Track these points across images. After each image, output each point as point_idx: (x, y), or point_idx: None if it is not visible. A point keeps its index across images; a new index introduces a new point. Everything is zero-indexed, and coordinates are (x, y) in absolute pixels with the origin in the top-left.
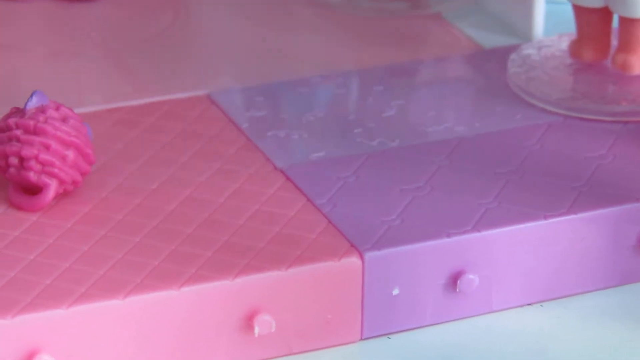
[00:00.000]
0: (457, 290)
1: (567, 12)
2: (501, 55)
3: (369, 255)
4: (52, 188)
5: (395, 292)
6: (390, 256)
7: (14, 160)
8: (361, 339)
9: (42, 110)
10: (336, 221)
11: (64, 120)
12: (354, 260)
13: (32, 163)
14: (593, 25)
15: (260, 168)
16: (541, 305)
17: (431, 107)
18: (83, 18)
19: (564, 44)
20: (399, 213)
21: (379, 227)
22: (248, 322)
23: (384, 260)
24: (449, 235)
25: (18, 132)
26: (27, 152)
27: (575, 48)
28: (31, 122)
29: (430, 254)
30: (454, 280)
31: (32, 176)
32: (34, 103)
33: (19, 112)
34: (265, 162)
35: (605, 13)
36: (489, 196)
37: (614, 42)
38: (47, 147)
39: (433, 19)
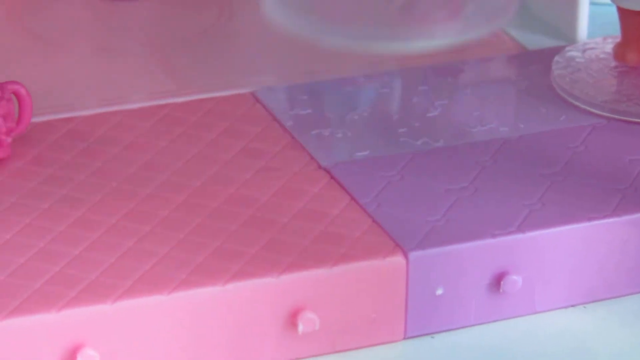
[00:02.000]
0: (501, 290)
1: (612, 14)
2: (545, 56)
3: (413, 254)
4: None
5: (439, 292)
6: (435, 256)
7: None
8: (404, 338)
9: None
10: (381, 220)
11: None
12: (398, 260)
13: None
14: (638, 28)
15: (305, 166)
16: (584, 307)
17: (475, 108)
18: (128, 15)
19: (609, 47)
20: (443, 213)
21: (424, 226)
22: (292, 319)
23: (428, 259)
24: (493, 236)
25: None
26: None
27: (620, 51)
28: None
29: (475, 254)
30: (497, 280)
31: None
32: None
33: None
34: (309, 160)
35: None
36: (533, 197)
37: None
38: None
39: None
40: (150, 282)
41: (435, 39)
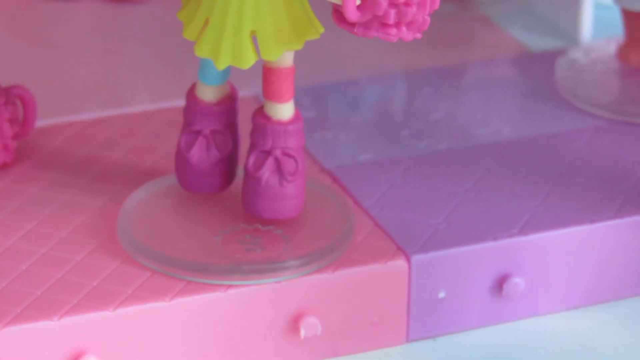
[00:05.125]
0: (503, 293)
1: (616, 16)
2: (549, 58)
3: (415, 258)
4: None
5: (442, 295)
6: (437, 259)
7: None
8: (407, 342)
9: None
10: (383, 223)
11: None
12: (400, 263)
13: None
14: None
15: (308, 169)
16: (587, 309)
17: (479, 110)
18: (132, 18)
19: (612, 48)
20: (445, 216)
21: (426, 229)
22: (294, 324)
23: (430, 263)
24: (495, 239)
25: None
26: None
27: (623, 52)
28: None
29: (477, 257)
30: (499, 283)
31: None
32: None
33: None
34: (312, 163)
35: None
36: (535, 200)
37: None
38: None
39: (481, 21)
40: (151, 288)
41: None
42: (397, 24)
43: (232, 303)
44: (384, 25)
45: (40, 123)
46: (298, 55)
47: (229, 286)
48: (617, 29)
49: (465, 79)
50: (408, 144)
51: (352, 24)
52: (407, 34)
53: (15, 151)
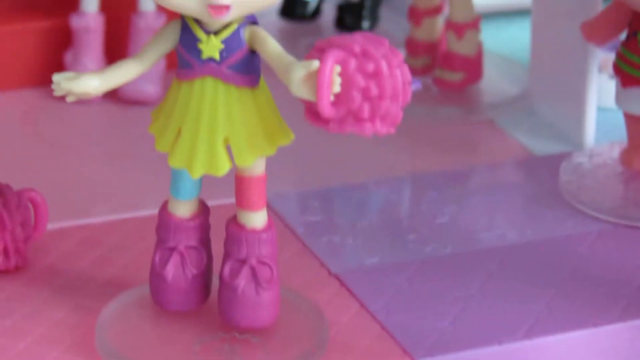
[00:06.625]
0: None
1: (619, 120)
2: (553, 162)
3: None
4: None
5: None
6: None
7: None
8: None
9: None
10: (390, 327)
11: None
12: None
13: None
14: None
15: (316, 273)
16: None
17: (483, 214)
18: (142, 121)
19: (615, 152)
20: (451, 320)
21: (432, 333)
22: None
23: None
24: (500, 343)
25: None
26: None
27: (626, 156)
28: None
29: None
30: None
31: None
32: None
33: None
34: (320, 267)
35: None
36: (539, 303)
37: None
38: None
39: (486, 125)
40: None
41: None
42: (372, 118)
43: None
44: (359, 119)
45: (51, 226)
46: (305, 159)
47: None
48: (620, 132)
49: (470, 183)
50: (414, 248)
51: (327, 121)
52: (381, 128)
53: (27, 254)
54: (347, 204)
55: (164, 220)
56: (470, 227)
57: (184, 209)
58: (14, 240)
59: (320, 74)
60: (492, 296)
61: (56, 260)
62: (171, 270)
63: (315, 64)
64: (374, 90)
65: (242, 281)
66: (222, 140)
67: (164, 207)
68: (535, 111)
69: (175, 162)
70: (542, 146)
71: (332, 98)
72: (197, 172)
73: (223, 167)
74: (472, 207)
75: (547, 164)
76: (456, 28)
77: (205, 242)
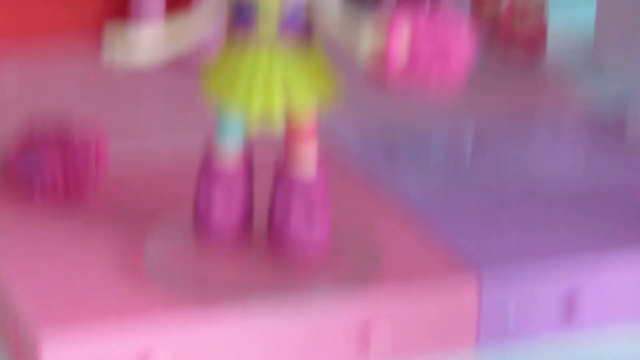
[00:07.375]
0: (572, 310)
1: None
2: (619, 109)
3: (486, 272)
4: None
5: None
6: (507, 274)
7: None
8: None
9: None
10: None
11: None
12: (470, 278)
13: None
14: None
15: (376, 200)
16: None
17: (548, 158)
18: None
19: None
20: (516, 236)
21: (497, 247)
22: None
23: (500, 278)
24: (564, 256)
25: None
26: None
27: None
28: None
29: (546, 273)
30: (569, 300)
31: None
32: None
33: None
34: (381, 194)
35: None
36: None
37: None
38: None
39: (552, 73)
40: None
41: None
42: (437, 77)
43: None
44: (425, 77)
45: (112, 164)
46: (368, 109)
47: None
48: None
49: (535, 129)
50: (478, 185)
51: (392, 79)
52: (444, 86)
53: (89, 188)
54: (410, 150)
55: (209, 160)
56: (535, 171)
57: (231, 154)
58: (77, 175)
59: (390, 28)
60: (556, 224)
61: (114, 190)
62: (218, 204)
63: (385, 19)
64: (440, 49)
65: (295, 206)
66: (280, 84)
67: (210, 150)
68: (602, 61)
69: (234, 100)
70: (608, 94)
71: (401, 54)
72: (255, 109)
73: (279, 107)
74: (537, 152)
75: (612, 111)
76: None
77: (249, 182)
